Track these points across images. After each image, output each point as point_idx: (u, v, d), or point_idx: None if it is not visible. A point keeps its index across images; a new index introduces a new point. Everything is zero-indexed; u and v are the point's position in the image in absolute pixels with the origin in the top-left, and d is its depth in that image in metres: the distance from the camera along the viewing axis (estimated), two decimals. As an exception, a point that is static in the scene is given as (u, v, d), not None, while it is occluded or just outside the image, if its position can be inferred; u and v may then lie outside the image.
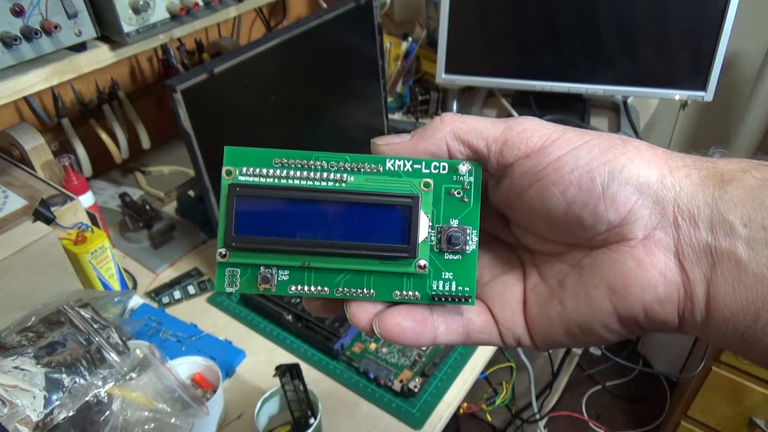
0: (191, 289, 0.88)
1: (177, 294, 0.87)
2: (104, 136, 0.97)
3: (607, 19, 1.05)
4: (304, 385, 0.65)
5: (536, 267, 0.25)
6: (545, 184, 0.22)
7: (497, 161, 0.23)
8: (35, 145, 0.83)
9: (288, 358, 0.77)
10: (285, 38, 0.84)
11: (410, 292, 0.24)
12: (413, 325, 0.23)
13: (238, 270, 0.24)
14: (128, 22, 0.71)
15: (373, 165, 0.23)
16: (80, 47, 0.70)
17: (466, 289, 0.24)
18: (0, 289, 0.65)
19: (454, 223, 0.24)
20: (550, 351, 1.23)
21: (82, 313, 0.64)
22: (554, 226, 0.23)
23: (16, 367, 0.57)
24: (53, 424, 0.55)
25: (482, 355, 0.78)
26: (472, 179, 0.24)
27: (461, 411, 1.16)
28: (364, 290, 0.24)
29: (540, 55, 1.11)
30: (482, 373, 0.85)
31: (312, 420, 0.63)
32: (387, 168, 0.23)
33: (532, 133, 0.22)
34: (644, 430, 1.63)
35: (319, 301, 0.25)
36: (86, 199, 0.84)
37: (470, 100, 1.30)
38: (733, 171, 0.21)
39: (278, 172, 0.23)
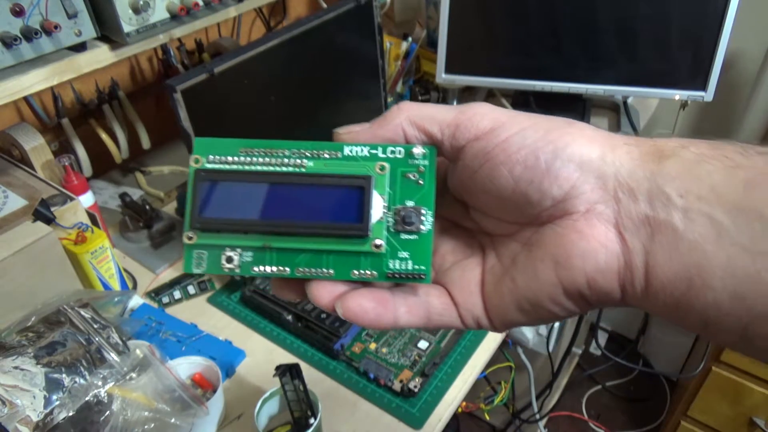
0: (191, 289, 0.88)
1: (177, 294, 0.87)
2: (104, 136, 0.97)
3: (607, 19, 1.05)
4: (304, 385, 0.65)
5: (494, 249, 0.26)
6: (494, 164, 0.23)
7: (450, 144, 0.24)
8: (35, 145, 0.83)
9: (288, 358, 0.77)
10: (285, 38, 0.84)
11: (367, 271, 0.24)
12: (374, 305, 0.24)
13: (205, 252, 0.25)
14: (128, 22, 0.71)
15: (332, 151, 0.25)
16: (80, 47, 0.70)
17: (422, 267, 0.24)
18: (0, 288, 0.65)
19: (410, 204, 0.24)
20: (551, 351, 1.23)
21: (82, 313, 0.64)
22: (504, 205, 0.24)
23: (16, 367, 0.57)
24: (53, 424, 0.55)
25: (482, 354, 0.78)
26: (426, 162, 0.24)
27: (459, 410, 1.16)
28: (323, 270, 0.24)
29: (540, 55, 1.11)
30: (482, 372, 0.85)
31: (312, 420, 0.63)
32: (345, 154, 0.25)
33: (483, 117, 0.24)
34: (644, 430, 1.63)
35: (282, 282, 0.26)
36: (86, 199, 0.84)
37: (470, 100, 1.30)
38: (672, 147, 0.22)
39: (242, 158, 0.25)
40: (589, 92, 1.12)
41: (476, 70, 1.14)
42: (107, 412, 0.58)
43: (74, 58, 0.70)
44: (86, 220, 0.77)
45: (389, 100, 1.24)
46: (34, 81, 0.67)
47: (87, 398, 0.57)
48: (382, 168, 0.24)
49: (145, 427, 0.59)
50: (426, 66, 1.33)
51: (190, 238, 0.25)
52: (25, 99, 0.90)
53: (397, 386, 0.72)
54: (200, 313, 0.85)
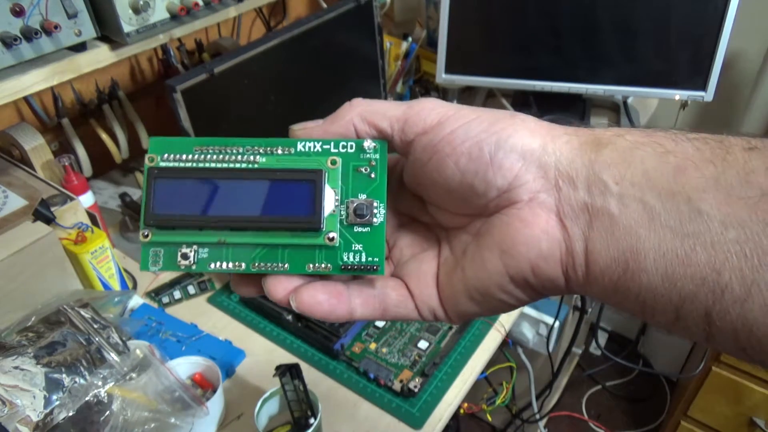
0: (191, 289, 0.88)
1: (177, 294, 0.87)
2: (104, 136, 0.97)
3: (607, 19, 1.05)
4: (304, 385, 0.65)
5: (449, 242, 0.27)
6: (441, 156, 0.23)
7: (400, 139, 0.25)
8: (35, 145, 0.83)
9: (288, 358, 0.77)
10: (285, 38, 0.84)
11: (322, 264, 0.25)
12: (327, 297, 0.24)
13: (161, 249, 0.25)
14: (128, 22, 0.71)
15: (285, 147, 0.25)
16: (80, 47, 0.70)
17: (375, 259, 0.25)
18: (0, 289, 0.65)
19: (362, 197, 0.25)
20: (551, 351, 1.23)
21: (82, 313, 0.64)
22: (454, 197, 0.25)
23: (16, 367, 0.57)
24: (53, 424, 0.55)
25: (482, 355, 0.78)
26: (377, 156, 0.25)
27: (461, 411, 1.16)
28: (279, 264, 0.25)
29: (540, 55, 1.11)
30: (482, 373, 0.85)
31: (312, 420, 0.63)
32: (298, 150, 0.25)
33: (430, 112, 0.24)
34: (644, 430, 1.63)
35: (241, 277, 0.26)
36: (86, 199, 0.84)
37: (470, 100, 1.30)
38: (609, 136, 0.22)
39: (197, 156, 0.25)
40: (589, 92, 1.12)
41: (476, 70, 1.14)
42: (107, 412, 0.58)
43: (74, 58, 0.70)
44: (86, 220, 0.77)
45: (389, 100, 1.24)
46: (34, 81, 0.67)
47: (87, 398, 0.57)
48: (334, 162, 0.25)
49: (145, 427, 0.59)
50: (426, 66, 1.33)
51: (145, 236, 0.25)
52: (25, 99, 0.90)
53: (397, 386, 0.72)
54: (200, 313, 0.85)
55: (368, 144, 0.25)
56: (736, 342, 0.19)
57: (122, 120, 0.98)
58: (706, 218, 0.19)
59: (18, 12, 0.62)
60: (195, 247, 0.25)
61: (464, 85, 1.26)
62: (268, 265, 0.25)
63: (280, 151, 0.25)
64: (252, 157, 0.25)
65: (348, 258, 0.25)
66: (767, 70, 1.15)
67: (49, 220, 0.70)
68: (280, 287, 0.25)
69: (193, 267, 0.25)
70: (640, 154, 0.21)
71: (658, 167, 0.20)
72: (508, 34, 1.12)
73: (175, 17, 0.77)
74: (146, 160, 0.25)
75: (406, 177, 0.27)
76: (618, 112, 1.23)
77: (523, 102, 1.22)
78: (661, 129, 0.22)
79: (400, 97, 1.29)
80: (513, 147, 0.22)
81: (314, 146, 0.25)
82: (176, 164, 0.25)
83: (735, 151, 0.20)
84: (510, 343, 1.24)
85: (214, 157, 0.25)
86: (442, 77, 1.14)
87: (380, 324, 0.81)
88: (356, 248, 0.25)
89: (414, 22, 1.38)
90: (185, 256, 0.25)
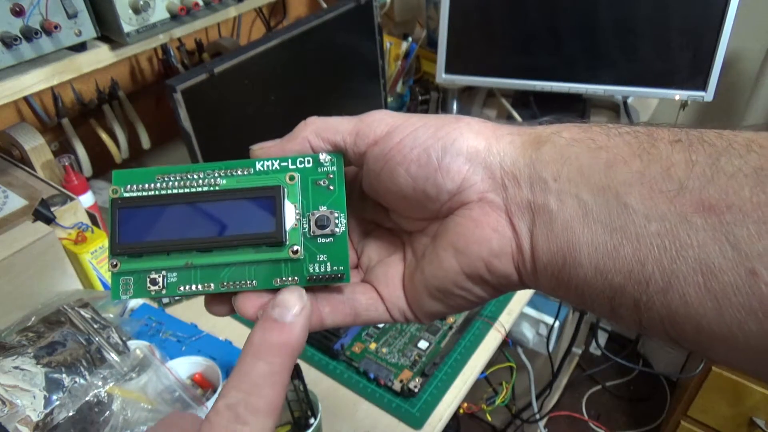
0: (191, 289, 0.88)
1: (177, 294, 0.87)
2: (104, 136, 0.97)
3: (607, 19, 1.05)
4: (304, 385, 0.65)
5: (411, 245, 0.28)
6: (392, 165, 0.24)
7: (353, 151, 0.25)
8: (35, 145, 0.83)
9: (288, 358, 0.77)
10: (285, 38, 0.84)
11: (289, 278, 0.25)
12: None
13: (131, 277, 0.25)
14: (128, 22, 0.71)
15: (244, 168, 0.26)
16: (80, 47, 0.70)
17: (340, 267, 0.25)
18: (0, 289, 0.65)
19: (323, 209, 0.25)
20: (551, 351, 1.23)
21: (82, 313, 0.64)
22: (409, 203, 0.25)
23: (16, 367, 0.57)
24: (53, 424, 0.55)
25: (482, 355, 0.78)
26: (334, 169, 0.26)
27: (461, 411, 1.16)
28: (246, 281, 0.25)
29: (540, 55, 1.11)
30: (482, 373, 0.85)
31: (312, 420, 0.63)
32: (257, 169, 0.26)
33: (379, 123, 0.25)
34: (644, 430, 1.63)
35: (212, 298, 0.26)
36: (86, 199, 0.84)
37: (470, 100, 1.30)
38: (548, 134, 0.23)
39: (159, 184, 0.26)
40: (589, 92, 1.12)
41: (476, 70, 1.14)
42: (107, 412, 0.58)
43: (74, 58, 0.70)
44: (86, 220, 0.77)
45: (389, 100, 1.24)
46: (34, 81, 0.67)
47: (87, 398, 0.57)
48: (292, 178, 0.25)
49: (145, 426, 0.59)
50: (426, 66, 1.33)
51: (114, 266, 0.25)
52: (25, 99, 0.90)
53: (397, 386, 0.72)
54: (200, 313, 0.84)
55: (324, 157, 0.26)
56: (665, 332, 0.20)
57: (122, 120, 0.98)
58: (632, 212, 0.20)
59: (18, 12, 0.62)
60: (164, 272, 0.25)
61: (464, 85, 1.26)
62: (237, 283, 0.25)
63: (239, 172, 0.26)
64: (213, 180, 0.25)
65: (314, 269, 0.25)
66: (767, 70, 1.15)
67: (49, 220, 0.70)
68: (249, 304, 0.25)
69: (163, 292, 0.25)
70: (575, 150, 0.22)
71: (591, 163, 0.21)
72: (508, 34, 1.12)
73: (175, 17, 0.77)
74: (110, 192, 0.26)
75: (365, 186, 0.27)
76: (618, 112, 1.23)
77: (523, 102, 1.22)
78: (597, 124, 0.23)
79: (400, 97, 1.29)
80: (459, 150, 0.23)
81: (272, 164, 0.26)
82: (139, 194, 0.25)
83: (660, 145, 0.20)
84: (510, 343, 1.24)
85: (176, 183, 0.25)
86: (442, 77, 1.14)
87: (380, 324, 0.81)
88: (321, 259, 0.25)
89: (414, 22, 1.38)
90: (154, 282, 0.25)
